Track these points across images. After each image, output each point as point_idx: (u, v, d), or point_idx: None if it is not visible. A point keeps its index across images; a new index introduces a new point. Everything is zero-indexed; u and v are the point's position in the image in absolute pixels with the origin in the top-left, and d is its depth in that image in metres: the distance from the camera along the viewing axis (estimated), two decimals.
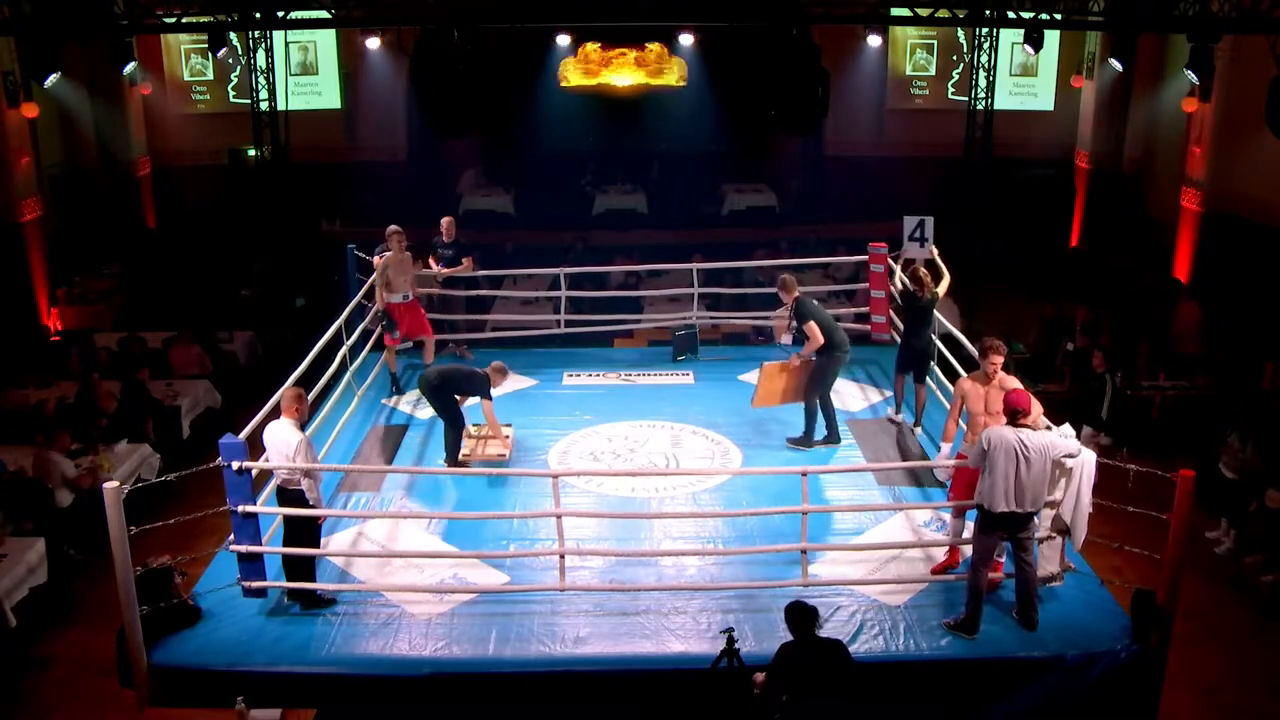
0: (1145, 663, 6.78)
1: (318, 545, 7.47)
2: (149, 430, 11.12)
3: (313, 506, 7.26)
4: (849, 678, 6.13)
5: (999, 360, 7.49)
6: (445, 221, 11.71)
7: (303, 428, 7.35)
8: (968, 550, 7.32)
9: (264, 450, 7.63)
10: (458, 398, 9.19)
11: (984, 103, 17.31)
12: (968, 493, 7.34)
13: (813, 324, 9.22)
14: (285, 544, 7.31)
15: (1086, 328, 13.44)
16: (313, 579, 7.37)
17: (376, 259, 11.12)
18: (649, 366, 11.78)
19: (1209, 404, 11.54)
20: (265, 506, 7.41)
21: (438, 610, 7.26)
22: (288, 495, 7.27)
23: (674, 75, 19.26)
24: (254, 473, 7.10)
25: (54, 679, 8.38)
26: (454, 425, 9.16)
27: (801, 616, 6.14)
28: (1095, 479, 7.07)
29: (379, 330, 11.28)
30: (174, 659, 6.79)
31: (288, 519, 7.31)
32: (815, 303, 9.60)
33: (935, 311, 9.90)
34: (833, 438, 9.59)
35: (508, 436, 9.41)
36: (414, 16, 14.37)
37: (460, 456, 9.14)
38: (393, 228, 10.71)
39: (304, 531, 7.31)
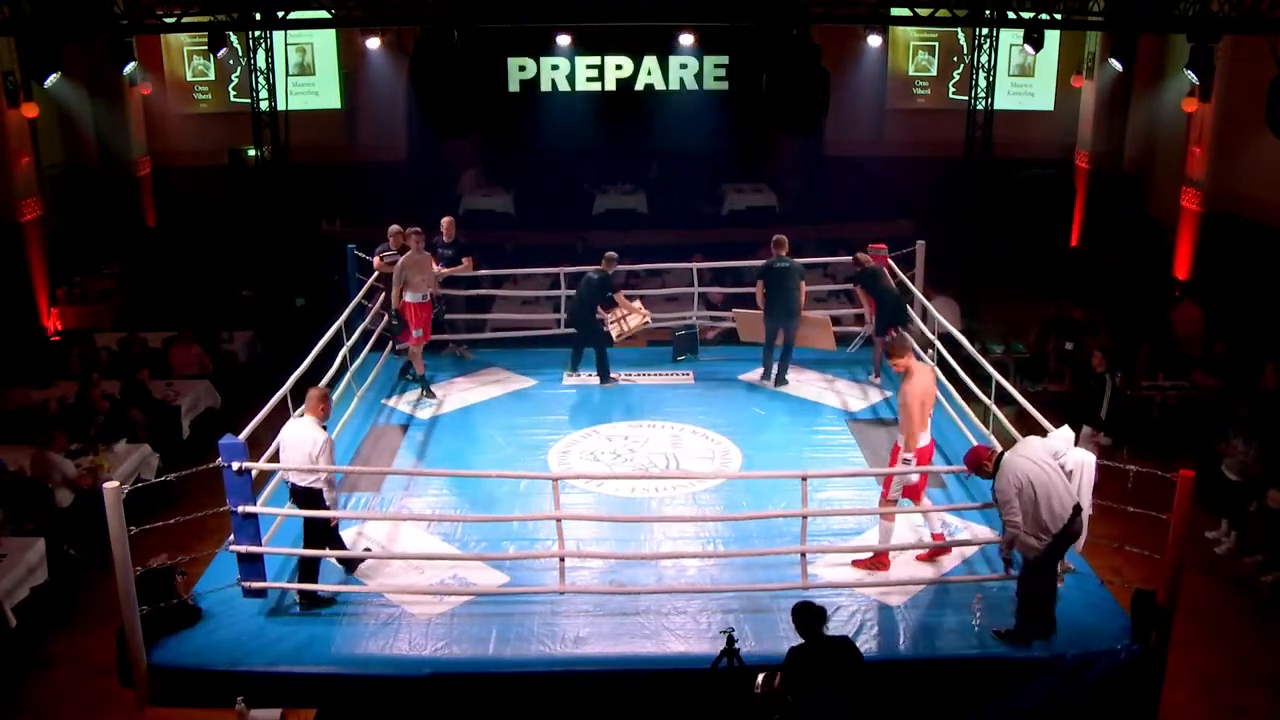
0: (1145, 663, 6.78)
1: (333, 545, 7.46)
2: (141, 429, 11.10)
3: (329, 507, 7.23)
4: (860, 674, 6.12)
5: (899, 362, 7.80)
6: (445, 221, 11.72)
7: (325, 427, 7.31)
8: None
9: (263, 450, 7.65)
10: (601, 314, 10.83)
11: (984, 103, 17.29)
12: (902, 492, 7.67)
13: (760, 282, 10.81)
14: (304, 543, 7.30)
15: (1081, 327, 13.42)
16: (315, 579, 7.38)
17: (377, 259, 11.11)
18: (649, 366, 11.78)
19: (1210, 404, 11.53)
20: (265, 507, 7.42)
21: (438, 610, 7.27)
22: (301, 493, 7.23)
23: None
24: (254, 473, 7.10)
25: (54, 679, 8.37)
26: (601, 348, 10.93)
27: (808, 616, 6.09)
28: (1095, 479, 7.07)
29: (378, 330, 11.30)
30: (174, 659, 6.79)
31: (310, 519, 7.31)
32: (778, 266, 10.68)
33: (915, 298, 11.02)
34: (765, 375, 11.15)
35: (637, 306, 10.98)
36: (414, 16, 14.37)
37: (615, 337, 10.90)
38: (405, 228, 10.75)
39: (319, 531, 7.33)
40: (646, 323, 11.09)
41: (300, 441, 7.20)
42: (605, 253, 11.12)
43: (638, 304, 11.15)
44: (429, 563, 7.77)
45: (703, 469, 9.29)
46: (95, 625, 8.56)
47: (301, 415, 7.36)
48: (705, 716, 6.68)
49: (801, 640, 6.10)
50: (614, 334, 10.97)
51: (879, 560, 7.70)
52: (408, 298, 10.50)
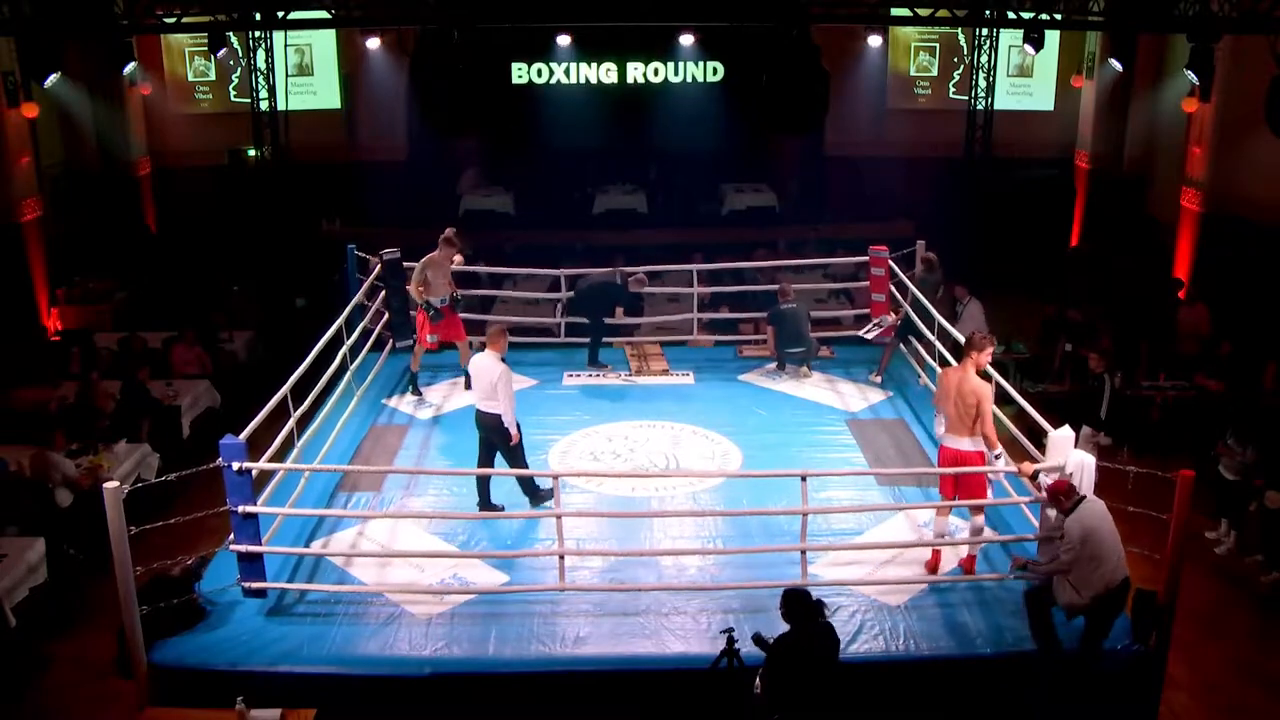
0: (1145, 663, 6.79)
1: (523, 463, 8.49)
2: (144, 430, 11.09)
3: (508, 430, 8.24)
4: (836, 659, 6.19)
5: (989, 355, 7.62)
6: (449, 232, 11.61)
7: (504, 359, 8.36)
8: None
9: (263, 450, 7.69)
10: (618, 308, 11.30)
11: (984, 103, 17.30)
12: (953, 492, 7.56)
13: (771, 327, 11.42)
14: (509, 459, 8.42)
15: (1082, 327, 13.39)
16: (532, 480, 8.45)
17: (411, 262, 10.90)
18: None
19: (1212, 404, 11.52)
20: (265, 506, 7.42)
21: (438, 610, 7.28)
22: (486, 418, 8.29)
23: None
24: (254, 473, 7.11)
25: (54, 679, 8.35)
26: (599, 334, 11.43)
27: (802, 606, 6.08)
28: (1096, 479, 7.08)
29: (378, 330, 11.29)
30: (174, 659, 6.81)
31: (495, 444, 8.36)
32: (785, 309, 11.23)
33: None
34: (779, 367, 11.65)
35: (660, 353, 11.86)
36: (414, 16, 14.36)
37: (633, 370, 11.53)
38: (448, 230, 10.65)
39: (516, 449, 8.42)
40: (665, 371, 11.66)
41: (484, 372, 8.29)
42: (639, 274, 11.53)
43: (659, 351, 12.01)
44: (429, 562, 7.78)
45: (703, 469, 9.30)
46: (96, 625, 8.55)
47: (484, 349, 8.43)
48: (705, 716, 6.69)
49: (789, 627, 6.11)
50: (632, 368, 11.57)
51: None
52: (430, 299, 10.43)
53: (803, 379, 11.30)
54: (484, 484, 8.43)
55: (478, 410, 8.42)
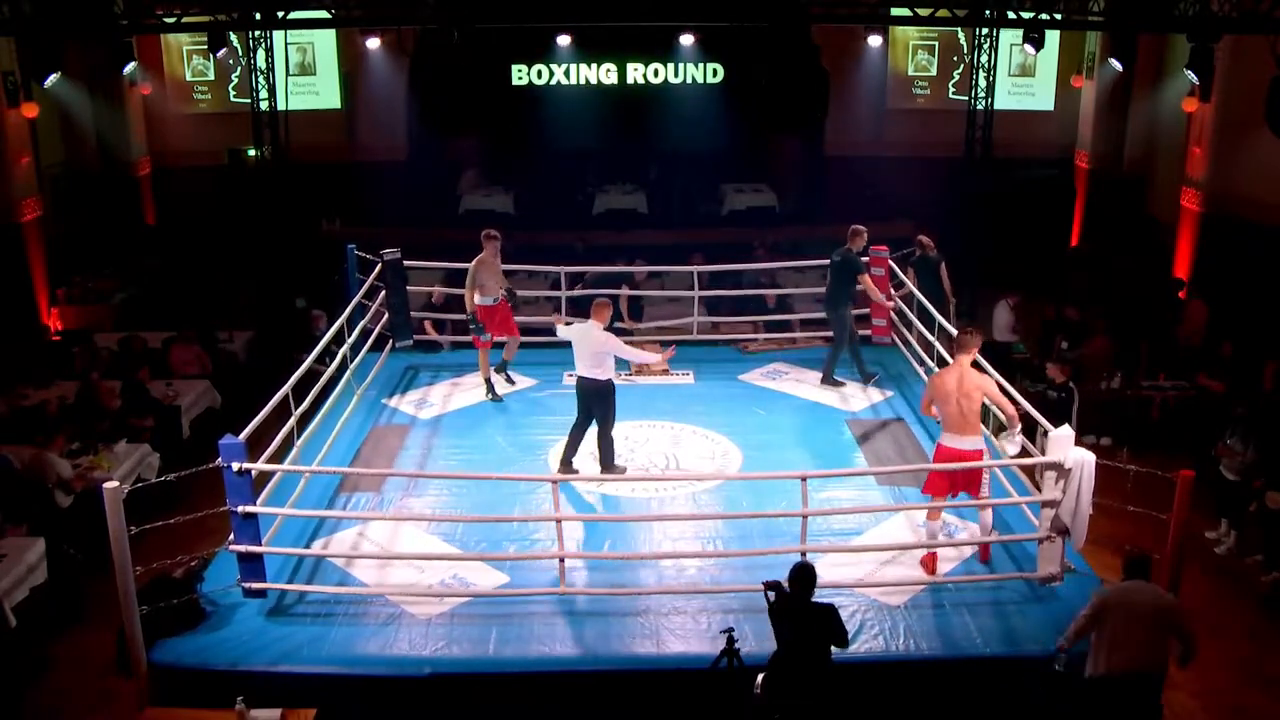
0: None
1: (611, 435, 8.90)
2: (148, 430, 11.08)
3: (611, 395, 8.76)
4: (840, 639, 6.25)
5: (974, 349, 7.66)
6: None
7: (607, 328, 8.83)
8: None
9: (263, 450, 7.66)
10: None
11: (984, 103, 17.28)
12: (947, 490, 7.56)
13: None
14: (601, 428, 8.85)
15: (1080, 327, 13.39)
16: (613, 455, 8.90)
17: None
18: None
19: (1212, 404, 11.52)
20: (265, 507, 7.42)
21: (438, 610, 7.28)
22: (588, 384, 8.73)
23: None
24: (254, 473, 7.10)
25: (54, 679, 8.35)
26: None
27: (806, 579, 6.20)
28: (1096, 478, 7.08)
29: (378, 330, 11.29)
30: (174, 659, 6.80)
31: (602, 405, 8.77)
32: (833, 258, 10.89)
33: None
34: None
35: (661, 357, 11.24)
36: (414, 16, 14.37)
37: (633, 370, 11.34)
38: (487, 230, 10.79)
39: (610, 415, 8.88)
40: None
41: (587, 340, 8.72)
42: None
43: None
44: (429, 563, 7.78)
45: (703, 469, 9.30)
46: (96, 625, 8.56)
47: (586, 320, 8.87)
48: (705, 716, 6.69)
49: (790, 594, 6.21)
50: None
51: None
52: (479, 300, 10.46)
53: (801, 379, 11.26)
54: (576, 447, 9.01)
55: (580, 377, 8.85)
